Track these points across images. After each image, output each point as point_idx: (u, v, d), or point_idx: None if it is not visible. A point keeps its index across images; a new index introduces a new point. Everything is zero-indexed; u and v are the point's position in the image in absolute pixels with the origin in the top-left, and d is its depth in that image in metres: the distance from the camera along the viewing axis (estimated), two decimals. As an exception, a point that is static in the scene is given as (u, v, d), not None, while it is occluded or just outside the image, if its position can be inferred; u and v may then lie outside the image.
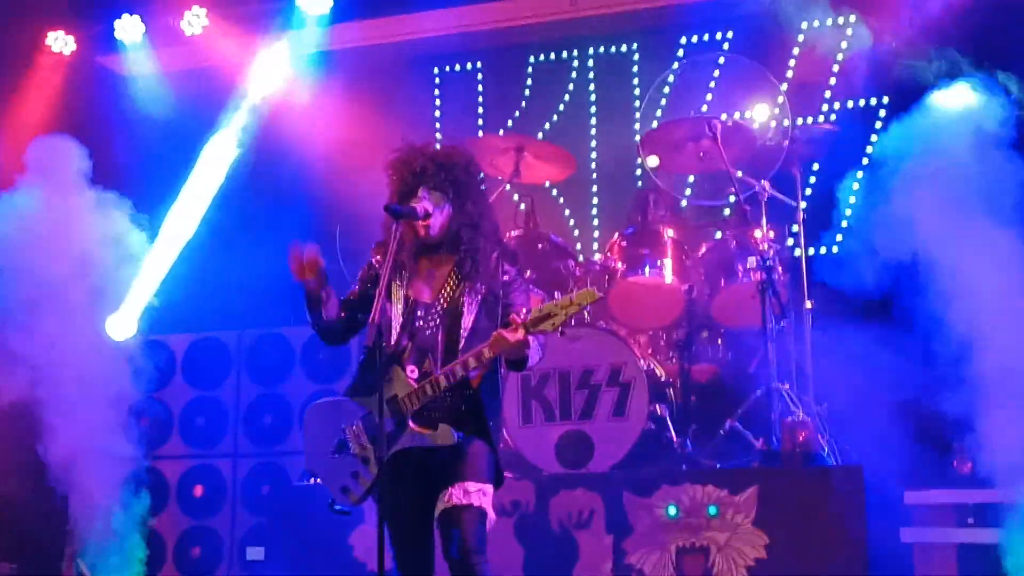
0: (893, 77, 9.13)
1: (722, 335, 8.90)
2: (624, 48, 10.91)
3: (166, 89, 11.12)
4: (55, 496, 8.72)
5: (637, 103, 10.73)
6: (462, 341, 5.29)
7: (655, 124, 10.27)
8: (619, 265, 8.71)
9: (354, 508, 5.48)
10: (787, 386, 8.14)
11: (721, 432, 8.21)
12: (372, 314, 5.08)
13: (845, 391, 8.08)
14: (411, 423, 5.26)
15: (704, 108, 10.20)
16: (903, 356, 7.63)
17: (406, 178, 5.46)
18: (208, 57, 10.85)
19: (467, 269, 5.39)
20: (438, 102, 11.33)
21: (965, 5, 8.78)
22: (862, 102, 9.95)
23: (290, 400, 9.60)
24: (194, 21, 10.70)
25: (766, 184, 8.58)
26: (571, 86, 10.98)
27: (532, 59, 11.10)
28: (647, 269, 8.64)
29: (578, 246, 10.39)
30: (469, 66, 11.30)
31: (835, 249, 9.36)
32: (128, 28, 10.82)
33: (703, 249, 8.79)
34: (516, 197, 10.06)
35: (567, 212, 10.70)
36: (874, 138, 8.86)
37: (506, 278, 5.45)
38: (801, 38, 10.24)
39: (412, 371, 5.29)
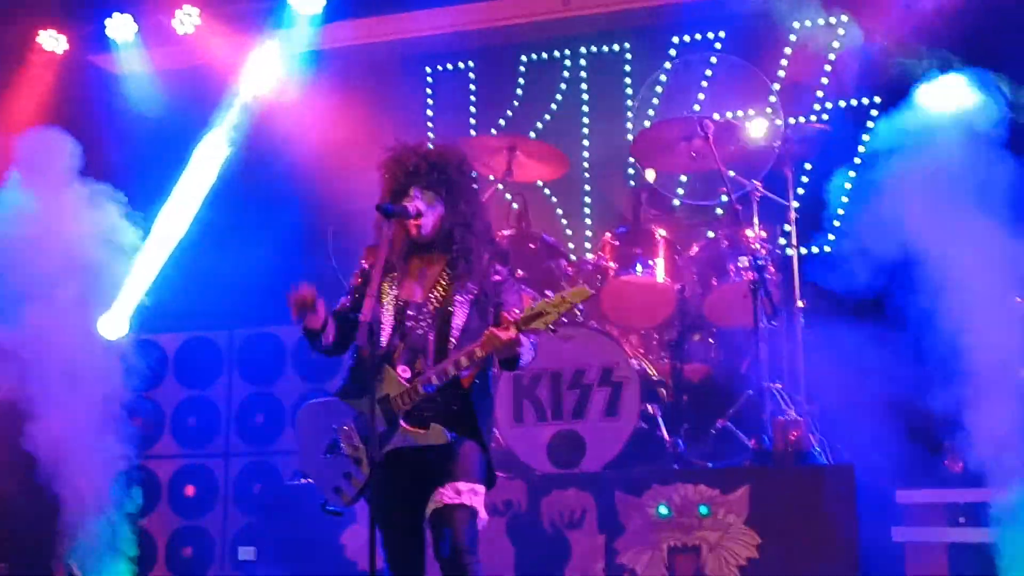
0: (885, 77, 9.15)
1: (714, 335, 8.91)
2: (616, 47, 10.91)
3: (158, 88, 11.11)
4: (46, 495, 8.69)
5: (629, 102, 10.73)
6: (453, 341, 5.29)
7: (647, 124, 10.29)
8: (611, 264, 8.71)
9: (346, 509, 5.48)
10: (779, 385, 8.15)
11: (713, 431, 8.22)
12: (362, 312, 5.08)
13: (837, 390, 8.08)
14: (403, 423, 5.25)
15: (696, 108, 10.20)
16: (895, 355, 7.63)
17: (398, 177, 5.46)
18: (200, 56, 10.84)
19: (459, 269, 5.39)
20: (430, 101, 11.33)
21: (956, 5, 8.79)
22: (854, 102, 9.96)
23: (282, 399, 9.60)
24: (186, 20, 10.69)
25: (758, 184, 8.59)
26: (563, 85, 10.98)
27: (524, 58, 11.09)
28: (639, 268, 8.64)
29: (570, 245, 10.39)
30: (461, 65, 11.30)
31: (827, 249, 9.37)
32: (120, 27, 10.81)
33: (695, 249, 8.80)
34: (508, 196, 10.06)
35: (559, 211, 10.69)
36: (866, 138, 8.86)
37: (498, 278, 5.45)
38: (793, 38, 10.25)
39: (403, 371, 5.28)
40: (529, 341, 5.27)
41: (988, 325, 6.85)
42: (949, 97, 7.54)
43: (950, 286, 6.93)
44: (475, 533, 5.22)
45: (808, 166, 9.52)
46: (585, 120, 10.89)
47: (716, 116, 9.21)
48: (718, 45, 10.47)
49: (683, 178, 10.17)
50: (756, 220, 8.52)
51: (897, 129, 7.52)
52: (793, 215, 8.70)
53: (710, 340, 8.92)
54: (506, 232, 8.96)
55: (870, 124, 9.18)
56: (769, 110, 9.23)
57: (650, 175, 9.10)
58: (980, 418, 6.84)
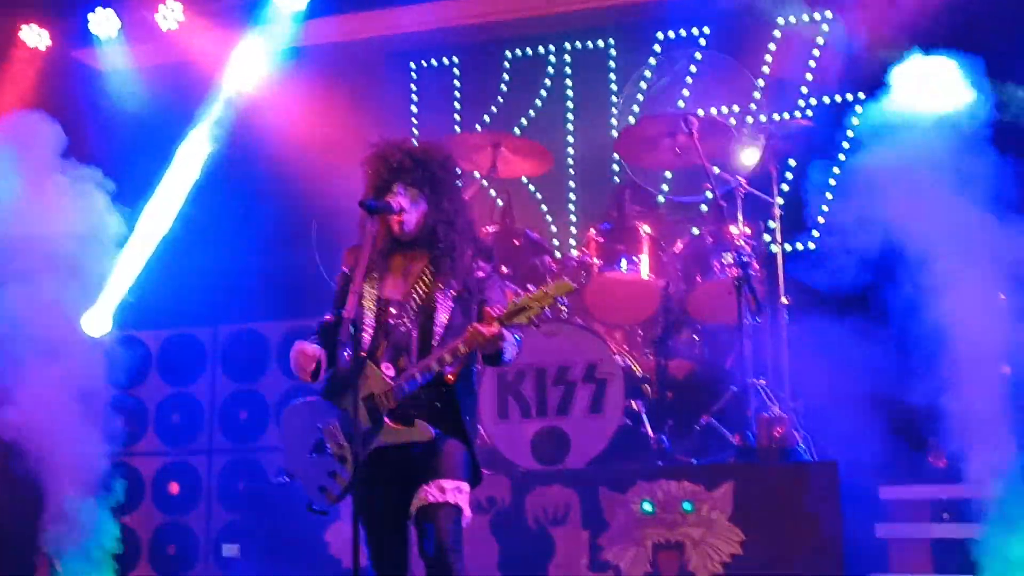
0: (869, 73, 9.15)
1: (698, 331, 8.91)
2: (601, 43, 10.90)
3: (141, 84, 11.07)
4: (29, 493, 8.66)
5: (614, 98, 10.73)
6: (437, 338, 5.28)
7: (632, 120, 10.30)
8: (595, 261, 8.70)
9: (332, 508, 5.47)
10: (763, 382, 8.16)
11: (697, 428, 8.22)
12: (346, 309, 5.08)
13: (821, 387, 8.09)
14: (387, 421, 5.25)
15: (681, 104, 10.22)
16: (879, 352, 7.65)
17: (382, 173, 5.45)
18: (184, 52, 10.80)
19: (442, 266, 5.39)
20: (415, 97, 11.31)
21: (939, 1, 8.81)
22: (838, 98, 9.97)
23: (265, 396, 9.57)
24: (169, 16, 10.65)
25: (742, 180, 8.60)
26: (548, 81, 10.97)
27: (509, 54, 11.07)
28: (624, 265, 8.64)
29: (555, 242, 10.39)
30: (446, 61, 11.28)
31: (811, 245, 9.40)
32: (103, 22, 10.77)
33: (679, 245, 8.79)
34: (493, 192, 10.05)
35: (544, 207, 10.68)
36: (850, 134, 8.87)
37: (481, 275, 5.45)
38: (777, 34, 10.26)
39: (387, 368, 5.28)
40: (513, 337, 5.27)
41: (972, 322, 6.86)
42: (928, 82, 7.54)
43: (934, 283, 6.94)
44: (459, 531, 5.22)
45: (792, 162, 9.52)
46: (570, 116, 10.88)
47: (701, 112, 9.22)
48: (703, 41, 10.48)
49: (668, 174, 10.18)
50: (740, 216, 8.52)
51: (880, 124, 7.53)
52: (777, 211, 8.71)
53: (694, 337, 8.92)
54: (490, 228, 8.95)
55: (854, 120, 9.18)
56: (754, 135, 9.19)
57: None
58: (963, 414, 6.86)
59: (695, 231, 8.91)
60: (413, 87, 11.33)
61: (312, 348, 5.36)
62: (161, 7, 10.64)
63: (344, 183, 6.23)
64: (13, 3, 10.63)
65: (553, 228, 10.62)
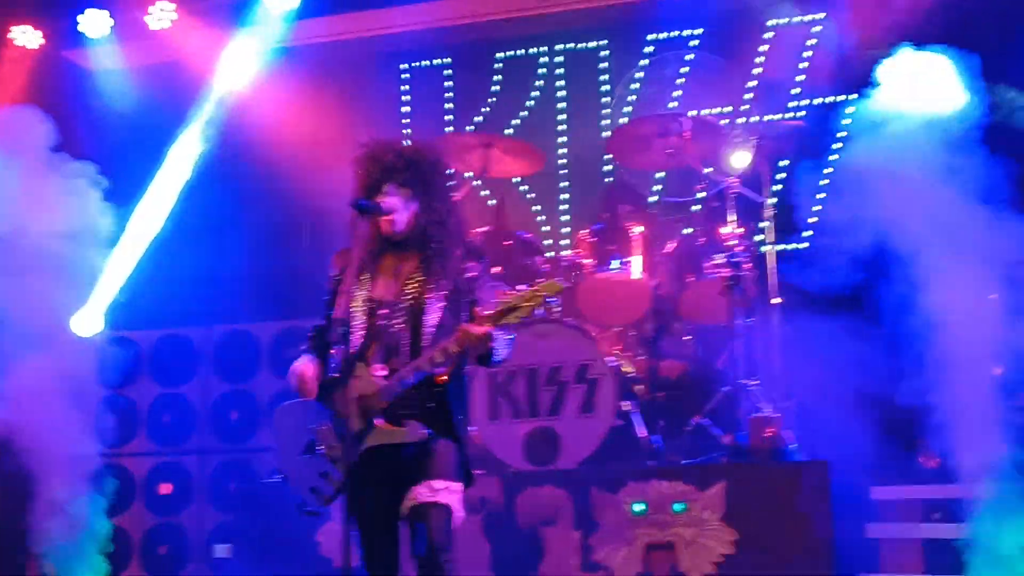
0: (860, 73, 9.16)
1: (690, 331, 8.92)
2: (593, 45, 10.91)
3: (133, 84, 11.06)
4: (18, 493, 8.65)
5: (606, 99, 10.74)
6: (427, 338, 5.28)
7: (624, 121, 10.30)
8: (587, 261, 8.71)
9: (324, 509, 5.46)
10: (755, 382, 8.16)
11: (689, 428, 8.23)
12: (336, 310, 5.09)
13: (812, 387, 8.09)
14: (378, 421, 5.25)
15: (672, 105, 10.22)
16: (870, 352, 7.66)
17: (374, 173, 5.45)
18: (175, 52, 10.79)
19: (432, 266, 5.38)
20: (406, 98, 11.31)
21: (931, 1, 8.82)
22: (830, 99, 9.97)
23: (257, 397, 9.57)
24: (161, 15, 10.64)
25: (734, 181, 8.60)
26: (540, 82, 10.97)
27: (500, 55, 11.08)
28: (615, 265, 8.64)
29: (547, 242, 10.39)
30: (438, 62, 11.28)
31: (803, 245, 9.41)
32: (94, 22, 10.76)
33: (671, 245, 8.80)
34: (486, 193, 10.06)
35: (536, 208, 10.69)
36: (841, 134, 8.88)
37: (471, 275, 5.44)
38: (769, 35, 10.27)
39: (379, 369, 5.28)
40: (504, 337, 5.27)
41: (963, 322, 6.87)
42: (917, 78, 7.55)
43: (925, 283, 6.95)
44: (450, 531, 5.21)
45: (784, 163, 9.53)
46: (561, 117, 10.89)
47: (692, 113, 9.23)
48: (694, 42, 10.48)
49: (660, 175, 10.19)
50: (732, 217, 8.52)
51: (871, 124, 7.53)
52: (769, 212, 8.71)
53: (686, 337, 8.93)
54: (482, 229, 8.95)
55: (846, 121, 9.19)
56: (745, 138, 9.19)
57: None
58: (955, 415, 6.86)
59: (687, 231, 8.91)
60: (405, 88, 11.32)
61: (311, 370, 5.37)
62: (152, 7, 10.62)
63: (335, 183, 6.21)
64: (4, 3, 10.61)
65: (545, 228, 10.62)
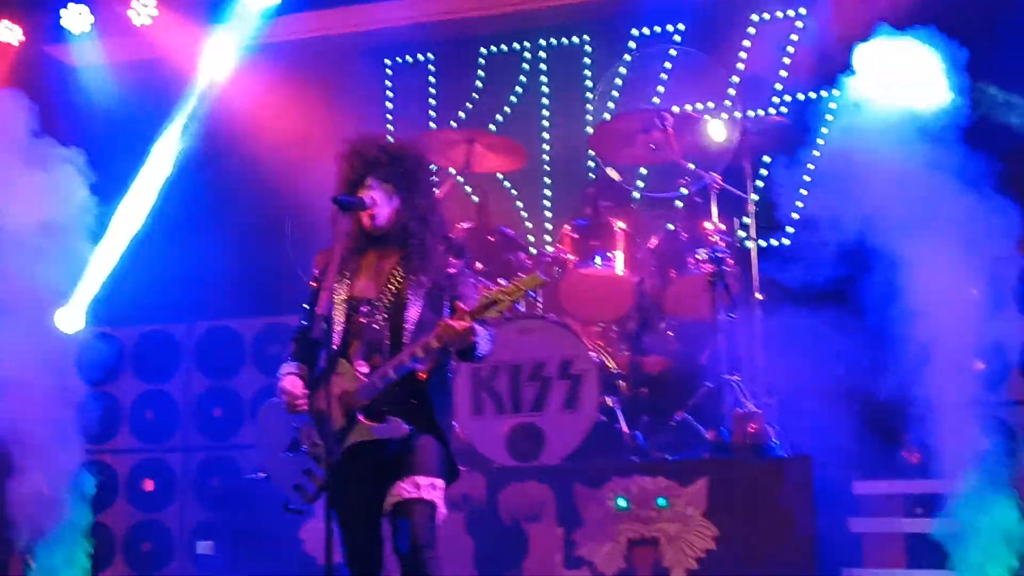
0: (843, 69, 9.17)
1: (673, 327, 8.91)
2: (576, 40, 10.89)
3: (115, 80, 11.03)
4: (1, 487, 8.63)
5: (589, 95, 10.73)
6: (408, 335, 5.28)
7: (607, 116, 10.30)
8: (570, 257, 8.70)
9: (308, 507, 5.46)
10: (738, 378, 8.17)
11: (672, 424, 8.23)
12: (318, 306, 5.09)
13: (795, 382, 8.10)
14: (361, 418, 5.25)
15: (656, 100, 10.23)
16: (852, 347, 7.67)
17: (356, 167, 5.46)
18: (157, 47, 10.75)
19: (413, 263, 5.38)
20: (390, 94, 11.29)
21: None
22: (812, 94, 9.98)
23: (240, 393, 9.56)
24: (143, 11, 10.60)
25: (717, 176, 8.60)
26: (523, 78, 10.96)
27: (484, 50, 11.07)
28: (598, 261, 8.64)
29: (530, 238, 10.39)
30: (421, 57, 11.26)
31: (786, 241, 9.41)
32: (76, 18, 10.72)
33: (654, 241, 8.80)
34: (468, 189, 10.05)
35: (519, 204, 10.68)
36: (824, 130, 8.89)
37: (452, 271, 5.44)
38: (752, 30, 10.28)
39: (360, 366, 5.28)
40: (486, 332, 5.28)
41: (944, 318, 6.88)
42: (894, 64, 7.55)
43: (907, 279, 6.96)
44: (434, 527, 5.22)
45: (767, 158, 9.53)
46: (545, 112, 10.88)
47: (675, 108, 9.23)
48: (677, 38, 10.47)
49: (643, 170, 10.19)
50: (715, 212, 8.53)
51: (854, 120, 7.54)
52: (752, 208, 8.72)
53: (669, 333, 8.92)
54: (465, 225, 8.95)
55: (828, 116, 9.21)
56: (727, 113, 9.22)
57: (614, 173, 9.11)
58: (936, 410, 6.88)
59: (670, 227, 8.91)
60: (388, 83, 11.31)
61: (298, 387, 5.37)
62: (134, 2, 10.58)
63: (318, 179, 6.21)
64: (-16, -1, 10.59)
65: (528, 224, 10.62)
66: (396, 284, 5.38)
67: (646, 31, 10.59)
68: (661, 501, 7.34)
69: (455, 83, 11.11)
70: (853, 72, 7.73)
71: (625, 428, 8.04)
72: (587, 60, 10.84)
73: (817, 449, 7.50)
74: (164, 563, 9.42)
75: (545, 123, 10.84)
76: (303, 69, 10.74)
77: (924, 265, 6.96)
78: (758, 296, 8.47)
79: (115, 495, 9.61)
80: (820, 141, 8.86)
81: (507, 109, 10.89)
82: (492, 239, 8.92)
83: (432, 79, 11.21)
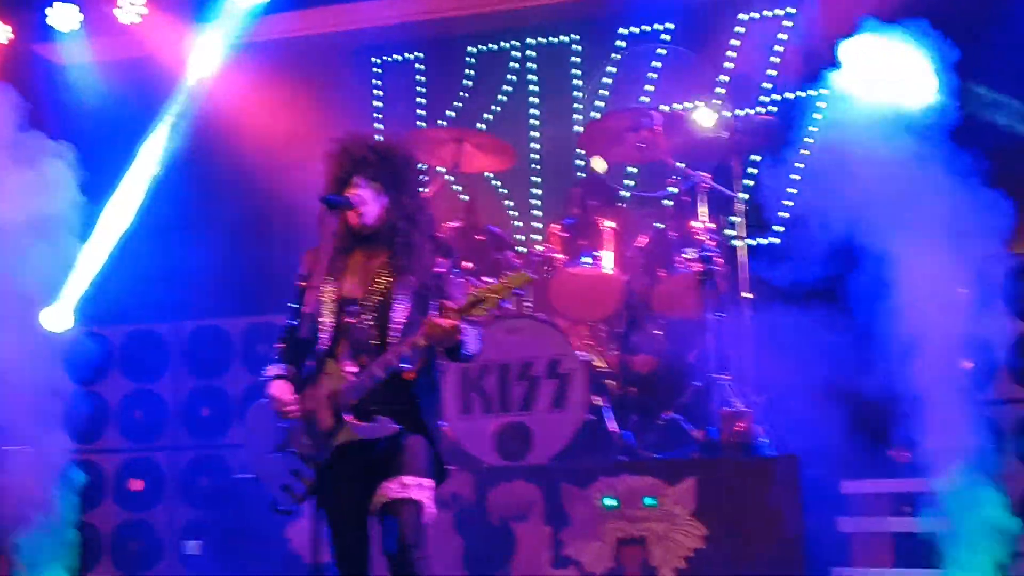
0: (832, 68, 9.17)
1: (662, 326, 8.91)
2: (565, 39, 10.90)
3: (103, 78, 11.01)
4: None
5: (578, 93, 10.73)
6: (395, 335, 5.27)
7: (596, 115, 10.30)
8: (559, 256, 8.70)
9: (296, 507, 5.45)
10: (726, 377, 8.17)
11: (660, 423, 8.24)
12: (306, 305, 5.08)
13: (783, 381, 8.10)
14: (349, 418, 5.24)
15: (644, 99, 10.23)
16: (841, 346, 7.67)
17: (345, 166, 5.45)
18: (146, 46, 10.74)
19: (400, 262, 5.37)
20: (378, 92, 11.29)
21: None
22: (801, 93, 9.99)
23: (228, 392, 9.53)
24: (131, 10, 10.59)
25: (705, 175, 8.60)
26: (512, 76, 10.97)
27: (472, 49, 11.07)
28: (587, 260, 8.63)
29: (519, 237, 10.39)
30: (409, 56, 11.26)
31: (774, 240, 9.42)
32: (64, 16, 10.70)
33: (643, 240, 8.80)
34: (459, 188, 10.06)
35: (508, 203, 10.68)
36: (814, 129, 8.89)
37: (440, 271, 5.43)
38: (740, 29, 10.29)
39: (348, 366, 5.27)
40: (474, 331, 5.27)
41: (933, 317, 6.89)
42: (879, 59, 7.56)
43: (895, 278, 6.97)
44: (421, 527, 5.21)
45: (756, 157, 9.53)
46: (534, 111, 10.88)
47: (664, 107, 9.23)
48: (666, 37, 10.48)
49: (632, 169, 10.19)
50: (704, 211, 8.53)
51: (842, 118, 7.54)
52: (740, 206, 8.72)
53: (657, 332, 8.91)
54: (454, 224, 8.94)
55: (818, 116, 9.21)
56: (717, 100, 9.25)
57: (599, 165, 9.09)
58: (925, 409, 6.89)
59: (659, 226, 8.91)
60: (377, 82, 11.30)
61: (287, 393, 5.36)
62: (121, 1, 10.56)
63: (306, 178, 6.20)
64: (-30, -2, 10.57)
65: (517, 223, 10.62)
66: (384, 284, 5.37)
67: (635, 30, 10.62)
68: (649, 500, 7.34)
69: (443, 82, 11.12)
70: (839, 68, 7.72)
71: (613, 427, 8.04)
72: (576, 59, 10.86)
73: (805, 448, 7.51)
74: (152, 563, 9.39)
75: (534, 122, 10.85)
76: (291, 68, 10.74)
77: (912, 264, 6.97)
78: (746, 295, 8.48)
79: (103, 495, 9.58)
80: (809, 140, 8.87)
81: (496, 108, 10.89)
82: (481, 238, 8.92)
83: (421, 78, 11.20)
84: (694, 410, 8.19)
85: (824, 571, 7.32)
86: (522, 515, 7.54)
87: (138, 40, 10.71)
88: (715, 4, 10.34)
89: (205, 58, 10.36)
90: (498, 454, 7.89)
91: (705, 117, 8.95)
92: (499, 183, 10.66)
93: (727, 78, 10.18)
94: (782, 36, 10.14)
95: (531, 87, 10.93)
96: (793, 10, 10.10)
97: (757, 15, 10.23)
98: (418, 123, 10.99)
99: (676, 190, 8.84)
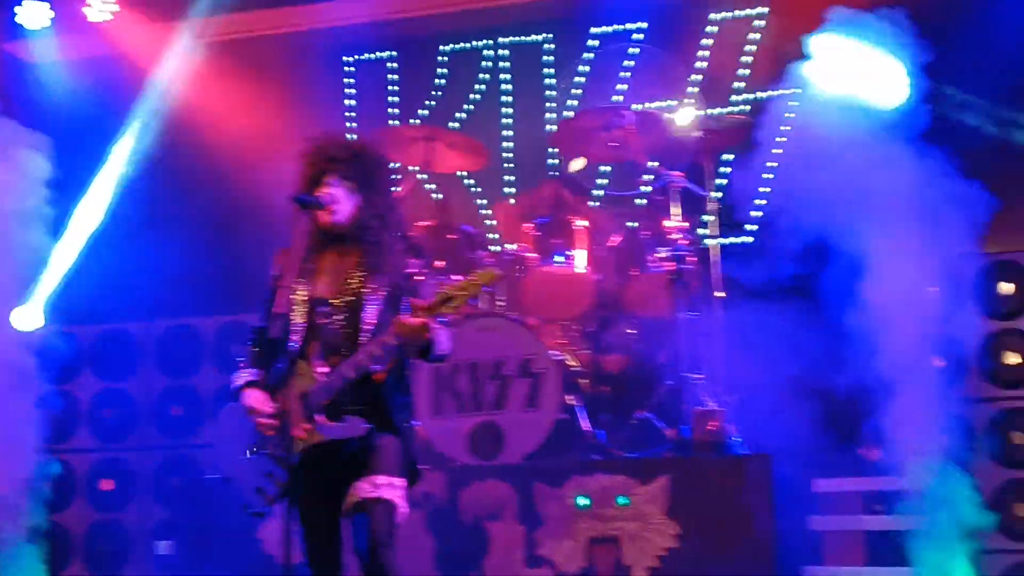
0: (804, 67, 9.19)
1: (634, 325, 8.91)
2: (537, 38, 10.89)
3: (73, 77, 10.96)
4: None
5: (550, 92, 10.73)
6: (367, 335, 5.26)
7: (569, 114, 10.30)
8: (531, 255, 8.70)
9: (268, 509, 5.43)
10: (698, 376, 8.18)
11: (633, 422, 8.24)
12: (277, 305, 5.07)
13: (755, 380, 8.12)
14: (320, 418, 5.22)
15: (617, 98, 10.23)
16: (812, 345, 7.69)
17: (317, 164, 5.43)
18: (116, 45, 10.69)
19: (371, 262, 5.36)
20: (350, 91, 11.26)
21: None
22: (773, 92, 9.99)
23: (200, 392, 9.50)
24: (102, 8, 10.54)
25: (678, 174, 8.61)
26: (484, 76, 10.95)
27: (445, 48, 11.05)
28: (559, 259, 8.64)
29: (491, 236, 10.37)
30: (382, 55, 11.24)
31: (747, 239, 9.43)
32: (34, 14, 10.64)
33: (615, 239, 8.81)
34: (432, 187, 10.04)
35: (481, 201, 10.67)
36: (786, 128, 8.91)
37: (411, 271, 5.42)
38: (713, 29, 10.30)
39: (319, 366, 5.26)
40: (446, 331, 5.26)
41: (903, 315, 6.91)
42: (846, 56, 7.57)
43: (866, 277, 6.98)
44: (393, 526, 5.20)
45: (728, 156, 9.54)
46: (507, 110, 10.87)
47: (637, 106, 9.23)
48: (639, 36, 10.49)
49: (604, 168, 10.20)
50: (676, 211, 8.54)
51: (814, 118, 7.55)
52: (713, 206, 8.74)
53: (630, 331, 8.91)
54: (426, 223, 8.93)
55: (790, 115, 9.23)
56: (691, 100, 9.26)
57: (577, 164, 9.10)
58: (895, 407, 6.91)
59: (631, 225, 8.92)
60: (349, 81, 11.27)
61: (260, 401, 5.33)
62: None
63: (278, 177, 6.17)
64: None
65: (490, 222, 10.61)
66: (355, 284, 5.36)
67: (607, 29, 10.60)
68: (622, 499, 7.34)
69: (416, 81, 11.10)
70: (809, 62, 7.73)
71: (586, 426, 8.04)
72: (548, 58, 10.85)
73: (777, 447, 7.53)
74: (123, 563, 9.36)
75: (506, 121, 10.83)
76: (263, 66, 10.71)
77: (884, 263, 6.98)
78: (719, 294, 8.49)
79: (73, 495, 9.54)
80: (781, 139, 8.89)
81: (468, 107, 10.88)
82: (453, 237, 8.90)
83: (393, 77, 11.19)
84: (666, 409, 8.20)
85: (796, 569, 7.33)
86: (495, 514, 7.54)
87: (108, 38, 10.66)
88: (687, 3, 10.35)
89: (176, 56, 10.32)
90: (471, 453, 7.88)
91: (684, 117, 8.96)
92: (472, 182, 10.64)
93: (699, 77, 10.19)
94: (754, 35, 10.15)
95: (504, 86, 10.92)
96: (765, 9, 10.11)
97: (729, 14, 10.23)
98: (390, 122, 10.96)
99: (649, 189, 8.85)
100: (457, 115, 10.83)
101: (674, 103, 9.42)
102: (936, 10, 8.85)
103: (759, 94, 10.04)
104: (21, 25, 10.69)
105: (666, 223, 8.48)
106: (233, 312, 9.45)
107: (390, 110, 11.10)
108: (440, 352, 5.31)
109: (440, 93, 10.99)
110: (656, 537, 7.25)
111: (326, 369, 5.25)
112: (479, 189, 10.68)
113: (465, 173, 10.50)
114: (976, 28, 8.92)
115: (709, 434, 7.70)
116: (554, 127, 10.23)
